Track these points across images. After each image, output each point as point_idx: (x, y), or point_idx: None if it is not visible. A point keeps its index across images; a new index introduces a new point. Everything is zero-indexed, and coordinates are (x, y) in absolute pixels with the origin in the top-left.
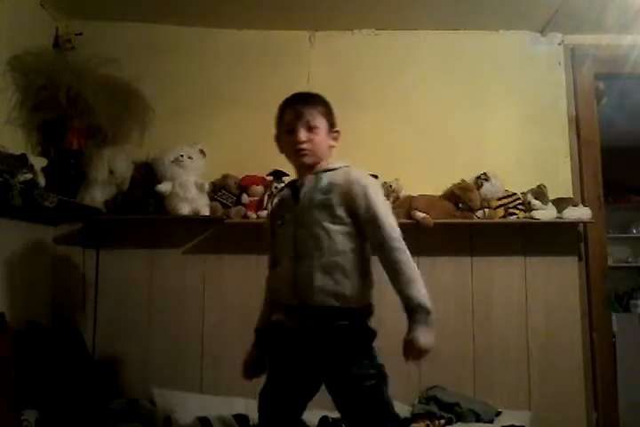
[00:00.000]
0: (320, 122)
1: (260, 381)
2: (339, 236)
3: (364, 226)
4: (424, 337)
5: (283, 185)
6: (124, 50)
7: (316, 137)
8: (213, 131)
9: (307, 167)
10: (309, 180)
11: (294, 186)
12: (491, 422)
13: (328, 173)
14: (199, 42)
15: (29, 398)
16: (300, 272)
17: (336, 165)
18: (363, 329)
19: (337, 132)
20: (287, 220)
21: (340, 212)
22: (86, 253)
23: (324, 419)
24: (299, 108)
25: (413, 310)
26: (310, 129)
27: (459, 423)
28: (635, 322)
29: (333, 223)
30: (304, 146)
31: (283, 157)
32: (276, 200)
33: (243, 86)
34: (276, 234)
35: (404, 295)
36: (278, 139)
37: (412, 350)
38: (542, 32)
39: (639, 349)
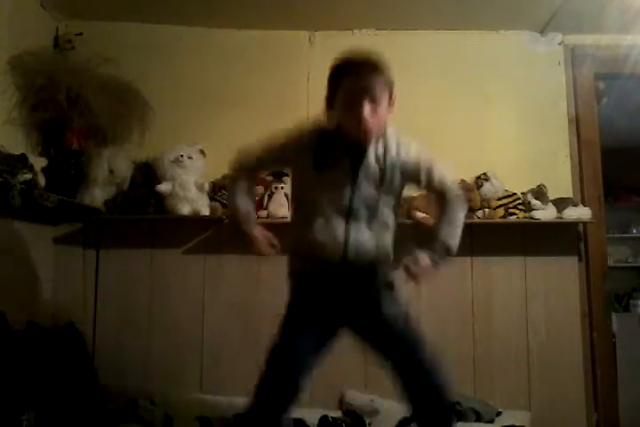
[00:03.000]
0: (384, 94)
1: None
2: (391, 204)
3: (430, 188)
4: (431, 260)
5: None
6: (124, 50)
7: (379, 111)
8: (213, 131)
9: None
10: (373, 148)
11: (351, 145)
12: (491, 422)
13: (390, 144)
14: (199, 42)
15: (29, 398)
16: (353, 234)
17: (390, 133)
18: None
19: (395, 100)
20: (338, 176)
21: (399, 183)
22: (86, 253)
23: (323, 419)
24: (364, 80)
25: (439, 243)
26: (374, 102)
27: (459, 423)
28: (635, 322)
29: (392, 194)
30: (368, 124)
31: None
32: (306, 140)
33: (243, 86)
34: (313, 181)
35: (443, 232)
36: (330, 102)
37: (415, 267)
38: (542, 32)
39: (639, 349)
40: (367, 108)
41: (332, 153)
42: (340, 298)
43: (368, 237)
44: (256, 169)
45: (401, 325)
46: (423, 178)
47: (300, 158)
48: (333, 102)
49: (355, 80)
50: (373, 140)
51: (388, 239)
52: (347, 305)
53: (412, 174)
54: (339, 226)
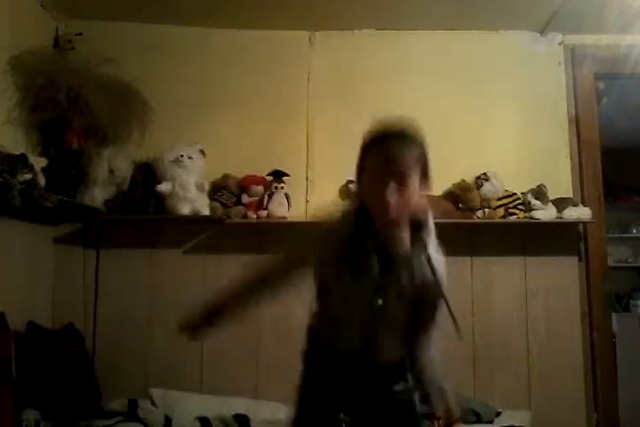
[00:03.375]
0: (414, 172)
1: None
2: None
3: (425, 304)
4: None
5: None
6: (124, 50)
7: (407, 191)
8: (213, 131)
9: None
10: (407, 249)
11: (377, 243)
12: (491, 422)
13: (425, 247)
14: (199, 42)
15: (29, 398)
16: (376, 343)
17: (425, 226)
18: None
19: (429, 178)
20: (365, 287)
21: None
22: (86, 253)
23: None
24: (392, 156)
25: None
26: (402, 182)
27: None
28: (635, 322)
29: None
30: (391, 207)
31: (282, 157)
32: (334, 239)
33: (243, 86)
34: (337, 288)
35: (433, 376)
36: (359, 175)
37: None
38: (542, 32)
39: (639, 349)
40: (391, 189)
41: (360, 259)
42: (350, 389)
43: (390, 347)
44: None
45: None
46: (431, 305)
47: (327, 269)
48: (361, 175)
49: (382, 155)
50: (405, 235)
51: (400, 348)
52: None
53: (426, 296)
54: (360, 334)
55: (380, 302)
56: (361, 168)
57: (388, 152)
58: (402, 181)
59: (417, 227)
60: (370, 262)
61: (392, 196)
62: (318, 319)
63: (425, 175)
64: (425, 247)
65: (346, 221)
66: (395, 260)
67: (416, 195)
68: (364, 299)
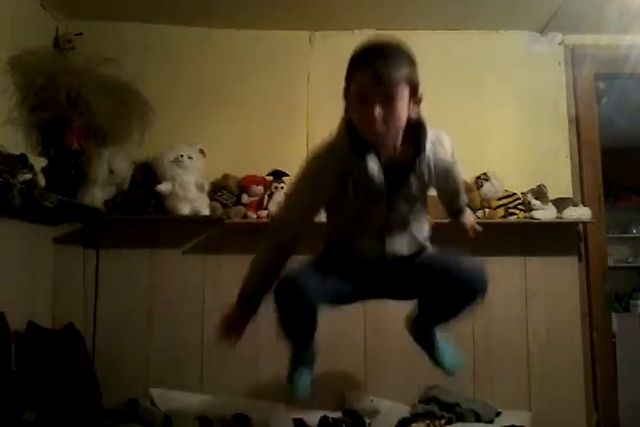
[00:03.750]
0: (402, 90)
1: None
2: (424, 200)
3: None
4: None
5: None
6: (124, 50)
7: (395, 110)
8: (213, 131)
9: (382, 142)
10: (404, 155)
11: (376, 156)
12: (491, 422)
13: (428, 151)
14: (199, 42)
15: (29, 398)
16: (390, 245)
17: (426, 133)
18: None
19: (420, 94)
20: (372, 198)
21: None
22: (86, 253)
23: (323, 419)
24: (378, 72)
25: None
26: (390, 98)
27: (459, 423)
28: (635, 322)
29: (425, 194)
30: (378, 126)
31: (283, 157)
32: (331, 168)
33: (243, 86)
34: (345, 202)
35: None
36: (346, 96)
37: (470, 223)
38: (542, 32)
39: (639, 349)
40: (377, 107)
41: (361, 175)
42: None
43: (405, 244)
44: (300, 230)
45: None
46: (443, 180)
47: (333, 186)
48: (349, 96)
49: (368, 72)
50: (401, 142)
51: (424, 231)
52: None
53: (439, 176)
54: (375, 239)
55: (387, 209)
56: (348, 83)
57: (376, 67)
58: (389, 97)
59: (414, 135)
60: (372, 174)
61: (378, 112)
62: (332, 233)
63: (414, 92)
64: (423, 150)
65: (334, 147)
66: (400, 168)
67: (405, 111)
68: (375, 209)
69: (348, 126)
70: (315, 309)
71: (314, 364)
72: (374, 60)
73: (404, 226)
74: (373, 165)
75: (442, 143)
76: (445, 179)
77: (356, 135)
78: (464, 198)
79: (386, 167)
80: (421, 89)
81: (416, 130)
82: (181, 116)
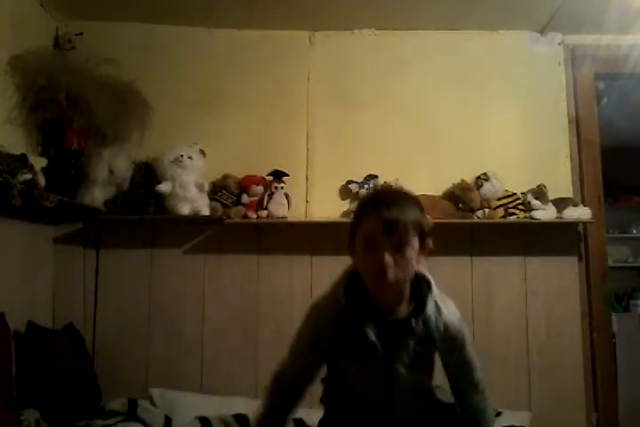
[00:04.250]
0: (413, 237)
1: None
2: (430, 369)
3: (452, 366)
4: None
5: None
6: (123, 50)
7: (405, 258)
8: (213, 131)
9: (390, 295)
10: (403, 321)
11: (376, 319)
12: None
13: (429, 310)
14: (199, 42)
15: (29, 398)
16: (396, 411)
17: (428, 294)
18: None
19: (429, 245)
20: (370, 365)
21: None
22: (86, 253)
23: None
24: (387, 220)
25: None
26: (400, 247)
27: None
28: (635, 322)
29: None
30: (390, 274)
31: (283, 157)
32: (327, 323)
33: (243, 86)
34: (342, 365)
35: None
36: (350, 245)
37: None
38: (542, 32)
39: (639, 349)
40: (387, 255)
41: (359, 335)
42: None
43: (411, 412)
44: (300, 379)
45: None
46: (452, 350)
47: (330, 343)
48: (354, 244)
49: (376, 219)
50: (404, 302)
51: (430, 396)
52: None
53: (445, 345)
54: (377, 409)
55: (393, 375)
56: (354, 233)
57: (387, 212)
58: (400, 246)
59: (417, 288)
60: (370, 344)
61: (389, 259)
62: (332, 390)
63: (423, 242)
64: (424, 308)
65: (335, 300)
66: (398, 329)
67: (415, 259)
68: (374, 378)
69: (349, 284)
70: None
71: None
72: (384, 207)
73: (409, 397)
74: (371, 330)
75: (447, 304)
76: (453, 350)
77: (355, 295)
78: (486, 397)
79: (385, 329)
80: (430, 241)
81: (419, 286)
82: (181, 117)
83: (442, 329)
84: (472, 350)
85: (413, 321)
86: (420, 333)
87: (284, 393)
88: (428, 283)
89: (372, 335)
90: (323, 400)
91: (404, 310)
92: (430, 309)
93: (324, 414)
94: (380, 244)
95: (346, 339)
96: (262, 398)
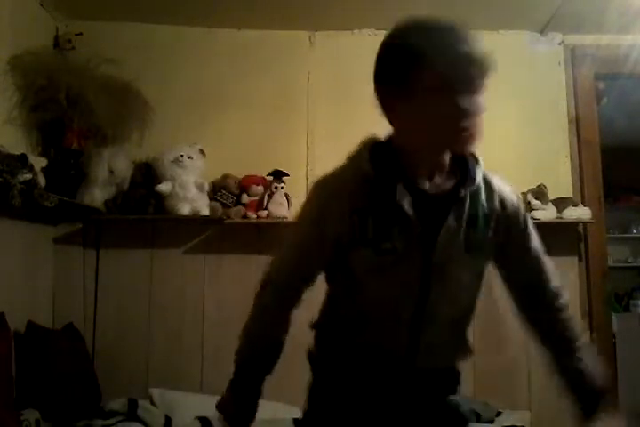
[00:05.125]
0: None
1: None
2: (481, 276)
3: (515, 270)
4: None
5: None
6: (123, 50)
7: (483, 104)
8: (213, 131)
9: (442, 163)
10: (451, 189)
11: (412, 191)
12: (491, 422)
13: (479, 181)
14: (199, 42)
15: (29, 398)
16: (425, 337)
17: (477, 166)
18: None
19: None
20: (404, 251)
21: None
22: (86, 253)
23: None
24: (477, 58)
25: (599, 392)
26: (479, 90)
27: None
28: (635, 322)
29: (483, 259)
30: (468, 123)
31: (283, 157)
32: (349, 200)
33: (243, 86)
34: (364, 267)
35: (584, 371)
36: (396, 106)
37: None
38: (542, 32)
39: (639, 349)
40: (467, 100)
41: (389, 210)
42: (398, 406)
43: (445, 339)
44: (298, 285)
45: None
46: (513, 239)
47: (343, 231)
48: (410, 103)
49: (456, 66)
50: (444, 173)
51: (468, 330)
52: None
53: (503, 231)
54: (404, 330)
55: (430, 272)
56: (398, 94)
57: (475, 51)
58: (480, 86)
59: (458, 160)
60: (405, 219)
61: (469, 104)
62: (336, 321)
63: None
64: (475, 178)
65: (352, 171)
66: (440, 204)
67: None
68: (405, 275)
69: (374, 150)
70: None
71: None
72: (466, 40)
73: (447, 314)
74: (407, 201)
75: (500, 180)
76: (514, 239)
77: (382, 163)
78: (571, 317)
79: (424, 204)
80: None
81: (461, 157)
82: (181, 117)
83: (497, 206)
84: (539, 244)
85: (462, 190)
86: (471, 210)
87: (281, 308)
88: (473, 155)
89: (406, 205)
90: (315, 326)
91: (444, 183)
92: (480, 180)
93: (316, 362)
94: (458, 85)
95: (371, 219)
96: (248, 341)
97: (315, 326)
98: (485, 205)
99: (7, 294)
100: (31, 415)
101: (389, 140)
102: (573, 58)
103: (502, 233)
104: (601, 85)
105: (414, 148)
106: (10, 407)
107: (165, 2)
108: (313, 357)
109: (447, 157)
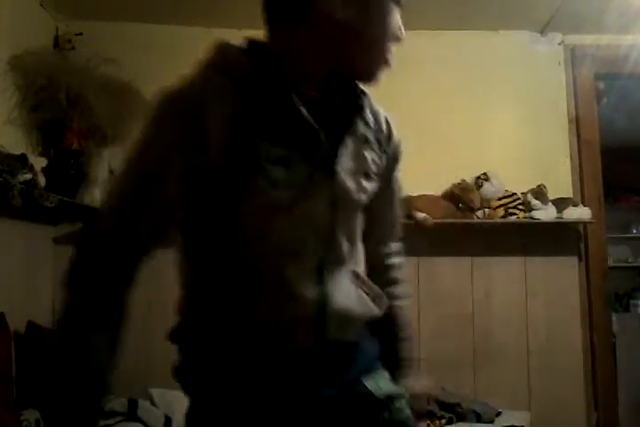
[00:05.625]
0: None
1: None
2: (360, 221)
3: (379, 212)
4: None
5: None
6: (124, 50)
7: None
8: None
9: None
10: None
11: (304, 98)
12: (491, 422)
13: (374, 110)
14: (199, 42)
15: (29, 398)
16: (333, 293)
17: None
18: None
19: None
20: (306, 173)
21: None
22: None
23: None
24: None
25: (408, 362)
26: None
27: (459, 423)
28: (635, 322)
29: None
30: (391, 58)
31: None
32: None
33: None
34: (246, 197)
35: (402, 344)
36: (359, 35)
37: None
38: (542, 32)
39: (639, 349)
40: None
41: (281, 117)
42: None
43: (353, 295)
44: (141, 242)
45: None
46: (389, 180)
47: (215, 156)
48: (367, 34)
49: (398, 10)
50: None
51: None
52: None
53: (384, 172)
54: (307, 284)
55: (331, 209)
56: (368, 25)
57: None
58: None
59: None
60: (303, 128)
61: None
62: (215, 304)
63: None
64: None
65: (221, 72)
66: (338, 112)
67: None
68: (318, 210)
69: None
70: None
71: None
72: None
73: (348, 257)
74: (300, 104)
75: (386, 116)
76: (389, 181)
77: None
78: (399, 276)
79: (316, 111)
80: None
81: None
82: None
83: (385, 130)
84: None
85: (363, 99)
86: (370, 125)
87: (112, 282)
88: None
89: (305, 113)
90: (178, 331)
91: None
92: (371, 106)
93: (190, 377)
94: (397, 36)
95: (257, 134)
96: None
97: (177, 331)
98: (372, 125)
99: (7, 294)
100: (31, 415)
101: (261, 48)
102: (573, 58)
103: (384, 168)
104: (601, 85)
105: (311, 67)
106: (10, 407)
107: (165, 2)
108: (184, 373)
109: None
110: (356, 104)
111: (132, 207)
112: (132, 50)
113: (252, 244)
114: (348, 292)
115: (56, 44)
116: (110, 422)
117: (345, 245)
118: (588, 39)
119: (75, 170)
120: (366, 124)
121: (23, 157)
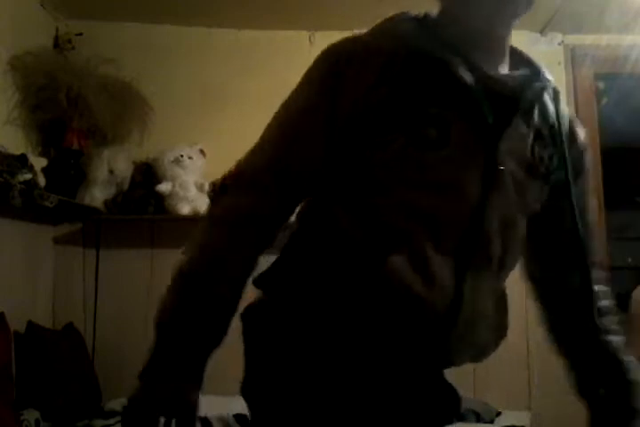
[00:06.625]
0: None
1: None
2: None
3: (558, 229)
4: None
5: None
6: (124, 50)
7: None
8: (213, 131)
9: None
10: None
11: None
12: (491, 422)
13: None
14: (199, 42)
15: (29, 398)
16: (469, 288)
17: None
18: None
19: None
20: (458, 143)
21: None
22: (86, 253)
23: None
24: None
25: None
26: None
27: (459, 423)
28: None
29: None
30: None
31: None
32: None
33: (243, 86)
34: (396, 166)
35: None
36: None
37: None
38: (542, 32)
39: None
40: None
41: (440, 83)
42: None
43: (490, 297)
44: (280, 191)
45: None
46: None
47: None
48: None
49: None
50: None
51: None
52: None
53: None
54: (444, 268)
55: (482, 195)
56: None
57: None
58: None
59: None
60: (465, 96)
61: None
62: (347, 251)
63: None
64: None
65: (387, 38)
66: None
67: None
68: (466, 182)
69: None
70: None
71: None
72: None
73: (498, 256)
74: (467, 75)
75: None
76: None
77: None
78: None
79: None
80: None
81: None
82: (181, 117)
83: (566, 127)
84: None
85: (547, 87)
86: (549, 121)
87: (253, 234)
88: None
89: (468, 77)
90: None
91: (506, 72)
92: (550, 83)
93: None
94: None
95: (413, 95)
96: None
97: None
98: (553, 122)
99: (7, 294)
100: (31, 415)
101: (429, 18)
102: (573, 58)
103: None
104: (601, 85)
105: (464, 25)
106: (10, 407)
107: (165, 2)
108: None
109: (507, 46)
110: (536, 91)
111: (285, 151)
112: (132, 50)
113: (384, 194)
114: (486, 305)
115: (56, 44)
116: (110, 422)
117: (496, 245)
118: (587, 39)
119: (75, 170)
120: (545, 118)
121: (23, 157)
